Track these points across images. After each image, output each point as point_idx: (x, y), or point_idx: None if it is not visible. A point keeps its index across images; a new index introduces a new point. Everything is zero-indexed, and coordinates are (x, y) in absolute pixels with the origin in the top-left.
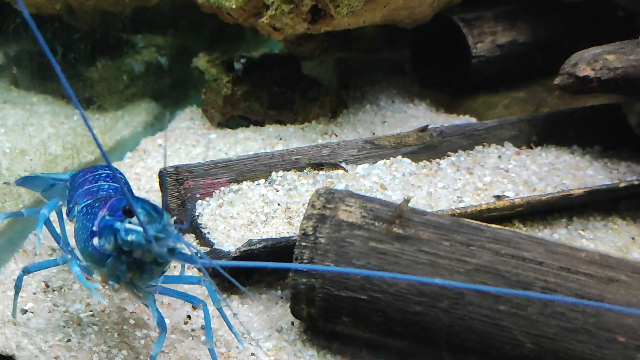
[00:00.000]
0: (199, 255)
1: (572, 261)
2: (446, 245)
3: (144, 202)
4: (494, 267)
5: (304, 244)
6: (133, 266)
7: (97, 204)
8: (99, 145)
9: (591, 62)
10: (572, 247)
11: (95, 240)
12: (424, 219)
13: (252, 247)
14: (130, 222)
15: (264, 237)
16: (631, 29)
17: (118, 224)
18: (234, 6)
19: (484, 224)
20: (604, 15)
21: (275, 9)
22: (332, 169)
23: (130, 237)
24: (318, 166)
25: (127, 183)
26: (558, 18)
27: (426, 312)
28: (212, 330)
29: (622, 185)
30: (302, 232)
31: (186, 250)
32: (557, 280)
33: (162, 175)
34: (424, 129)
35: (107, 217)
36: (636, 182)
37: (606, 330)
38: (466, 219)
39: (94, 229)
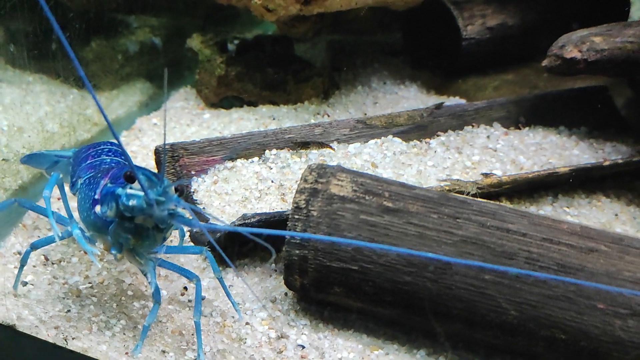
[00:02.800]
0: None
1: (554, 232)
2: (434, 217)
3: (144, 169)
4: (480, 238)
5: (297, 216)
6: (135, 232)
7: (99, 175)
8: (107, 120)
9: (578, 44)
10: (554, 220)
11: (98, 208)
12: (413, 193)
13: (246, 222)
14: (131, 188)
15: (258, 212)
16: (621, 11)
17: (120, 190)
18: None
19: (471, 197)
20: None
21: None
22: (319, 148)
23: (131, 202)
24: (305, 145)
25: (129, 158)
26: (548, 1)
27: (415, 282)
28: (201, 304)
29: (607, 164)
30: (295, 205)
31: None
32: (540, 250)
33: (159, 152)
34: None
35: (109, 185)
36: (620, 161)
37: (586, 298)
38: (454, 194)
39: (96, 197)
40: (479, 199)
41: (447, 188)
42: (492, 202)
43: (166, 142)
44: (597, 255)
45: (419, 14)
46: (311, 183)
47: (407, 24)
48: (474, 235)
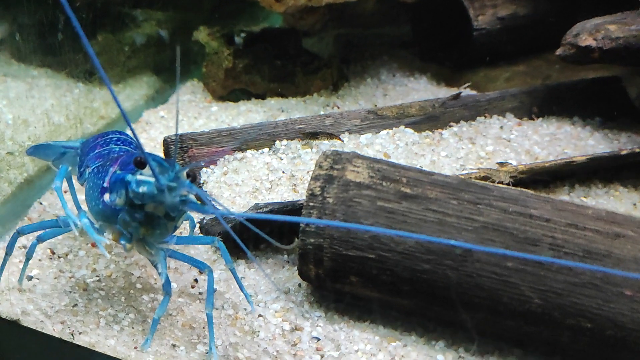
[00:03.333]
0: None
1: (579, 218)
2: (454, 203)
3: (155, 155)
4: (502, 224)
5: (312, 204)
6: (145, 221)
7: (108, 163)
8: (122, 110)
9: (593, 32)
10: (578, 205)
11: (107, 197)
12: (431, 179)
13: (259, 211)
14: (141, 174)
15: (270, 202)
16: (632, 0)
17: (129, 177)
18: None
19: (491, 183)
20: None
21: None
22: (328, 139)
23: (141, 189)
24: (314, 135)
25: (140, 144)
26: None
27: (434, 270)
28: (213, 296)
29: (624, 152)
30: (310, 192)
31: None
32: (564, 236)
33: (167, 143)
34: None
35: (118, 172)
36: (637, 150)
37: (613, 285)
38: (473, 179)
39: (105, 185)
40: (500, 185)
41: (475, 176)
42: (513, 187)
43: (174, 134)
44: (624, 241)
45: (428, 5)
46: (326, 169)
47: (416, 16)
48: (496, 221)
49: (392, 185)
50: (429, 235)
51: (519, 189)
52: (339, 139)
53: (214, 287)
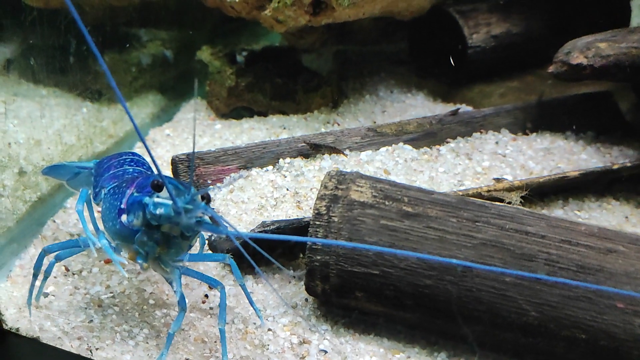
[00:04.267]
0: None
1: (572, 234)
2: (453, 221)
3: (171, 178)
4: (499, 241)
5: (318, 222)
6: (161, 241)
7: (124, 184)
8: (138, 131)
9: (584, 50)
10: (572, 222)
11: (124, 217)
12: (431, 198)
13: (265, 229)
14: (158, 197)
15: (276, 219)
16: (623, 17)
17: (147, 199)
18: None
19: (488, 201)
20: (597, 4)
21: (278, 2)
22: (331, 153)
23: (159, 211)
24: (317, 147)
25: (150, 168)
26: (551, 9)
27: (436, 285)
28: (225, 312)
29: (616, 167)
30: (316, 211)
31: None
32: (559, 252)
33: (175, 162)
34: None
35: (135, 194)
36: (629, 164)
37: (606, 298)
38: (471, 197)
39: (122, 206)
40: (497, 203)
41: (487, 195)
42: (509, 205)
43: (182, 152)
44: (616, 256)
45: (424, 23)
46: (331, 189)
47: (412, 33)
48: (494, 238)
49: (394, 204)
50: (431, 252)
51: (515, 206)
52: (344, 154)
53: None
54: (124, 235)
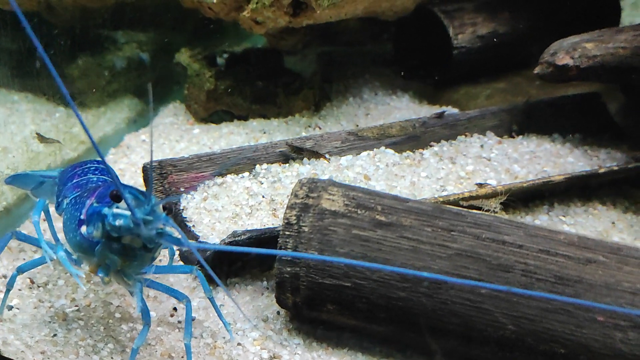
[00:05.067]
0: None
1: (551, 243)
2: (428, 230)
3: (131, 188)
4: (475, 251)
5: (287, 232)
6: (122, 253)
7: (85, 194)
8: (90, 138)
9: (570, 50)
10: (551, 230)
11: (84, 229)
12: (406, 206)
13: (236, 239)
14: (118, 207)
15: (248, 229)
16: (612, 17)
17: (106, 210)
18: (215, 0)
19: (465, 209)
20: (586, 4)
21: (257, 3)
22: (313, 157)
23: (118, 222)
24: (298, 150)
25: (116, 176)
26: (538, 8)
27: (409, 298)
28: (191, 326)
29: (602, 171)
30: (286, 221)
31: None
32: (536, 262)
33: (147, 169)
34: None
35: (95, 205)
36: (615, 168)
37: (585, 310)
38: (448, 205)
39: (82, 217)
40: (474, 211)
41: (466, 204)
42: (487, 213)
43: (154, 159)
44: (596, 267)
45: (409, 24)
46: (302, 198)
47: (397, 34)
48: (469, 248)
49: (367, 213)
50: (404, 262)
51: (493, 214)
52: (325, 158)
53: (194, 315)
54: (84, 247)
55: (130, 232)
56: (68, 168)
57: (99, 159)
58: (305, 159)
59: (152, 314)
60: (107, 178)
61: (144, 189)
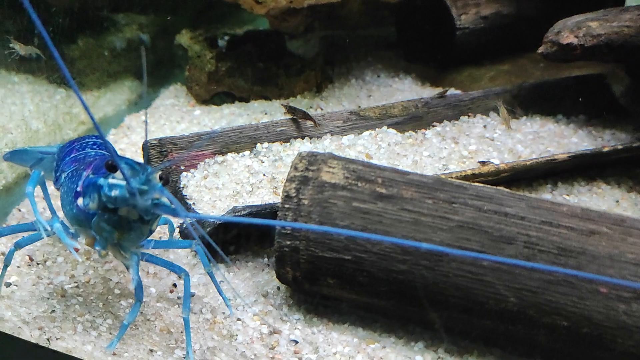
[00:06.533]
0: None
1: (554, 215)
2: (429, 203)
3: (127, 159)
4: (477, 223)
5: (287, 206)
6: (119, 225)
7: (82, 167)
8: (89, 113)
9: (574, 29)
10: (553, 202)
11: (80, 201)
12: (406, 179)
13: (236, 214)
14: (114, 177)
15: (248, 205)
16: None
17: (101, 180)
18: None
19: (467, 182)
20: None
21: None
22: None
23: (114, 192)
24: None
25: (113, 148)
26: None
27: (410, 271)
28: (189, 300)
29: (606, 150)
30: (285, 194)
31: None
32: (539, 234)
33: (146, 147)
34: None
35: (91, 176)
36: (619, 147)
37: (588, 282)
38: (449, 178)
39: (78, 189)
40: (476, 184)
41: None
42: (489, 186)
43: (157, 137)
44: (599, 238)
45: (412, 6)
46: (302, 171)
47: (400, 16)
48: (471, 220)
49: (368, 186)
50: (405, 235)
51: (494, 187)
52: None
53: (193, 291)
54: (80, 220)
55: (125, 203)
56: (67, 144)
57: (97, 134)
58: (306, 138)
59: (152, 290)
60: (105, 153)
61: None
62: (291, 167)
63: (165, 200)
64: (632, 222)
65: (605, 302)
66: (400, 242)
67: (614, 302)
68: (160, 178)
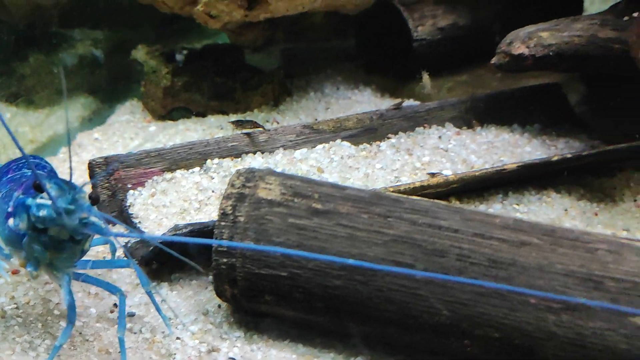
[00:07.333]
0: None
1: (486, 227)
2: (364, 217)
3: (56, 179)
4: (411, 236)
5: (223, 223)
6: (50, 245)
7: (15, 187)
8: (8, 130)
9: (526, 39)
10: (487, 214)
11: (11, 221)
12: (343, 194)
13: (177, 232)
14: (42, 197)
15: (191, 222)
16: (575, 8)
17: (29, 200)
18: None
19: (404, 195)
20: None
21: None
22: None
23: (41, 212)
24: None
25: (52, 171)
26: (498, 0)
27: (345, 286)
28: (125, 319)
29: (555, 159)
30: (222, 211)
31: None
32: (471, 246)
33: (92, 166)
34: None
35: (21, 196)
36: (569, 156)
37: (518, 293)
38: (387, 192)
39: (10, 210)
40: (413, 197)
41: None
42: (425, 199)
43: (103, 155)
44: (529, 249)
45: (370, 18)
46: (238, 188)
47: (359, 28)
48: (405, 234)
49: (304, 202)
50: (340, 250)
51: (431, 200)
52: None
53: (134, 311)
54: (12, 240)
55: (54, 223)
56: (4, 164)
57: (37, 154)
58: (258, 153)
59: (92, 310)
60: (42, 172)
61: (89, 185)
62: (228, 184)
63: (94, 219)
64: (562, 232)
65: (535, 313)
66: (336, 260)
67: (543, 313)
68: (90, 197)
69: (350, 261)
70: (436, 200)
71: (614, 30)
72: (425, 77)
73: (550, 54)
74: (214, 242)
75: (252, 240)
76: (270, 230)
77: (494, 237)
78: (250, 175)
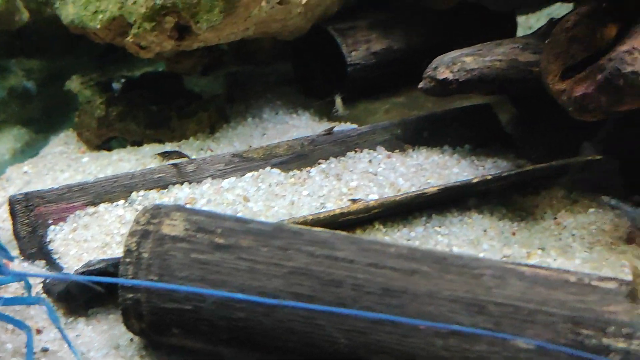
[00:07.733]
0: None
1: (381, 256)
2: (264, 250)
3: None
4: (309, 268)
5: (128, 260)
6: None
7: None
8: None
9: (450, 64)
10: (383, 244)
11: None
12: (246, 227)
13: (90, 268)
14: None
15: (104, 257)
16: (507, 33)
17: None
18: (98, 26)
19: (306, 227)
20: (481, 19)
21: (138, 27)
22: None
23: None
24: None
25: None
26: (434, 24)
27: (248, 317)
28: (32, 355)
29: (475, 180)
30: (126, 248)
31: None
32: (365, 276)
33: (12, 202)
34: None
35: None
36: (488, 177)
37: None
38: (289, 225)
39: None
40: (315, 228)
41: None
42: (326, 230)
43: (23, 192)
44: (419, 277)
45: (307, 43)
46: (143, 224)
47: (295, 53)
48: (303, 265)
49: (207, 237)
50: (242, 283)
51: (331, 231)
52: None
53: (47, 346)
54: None
55: None
56: None
57: None
58: (185, 183)
59: (8, 345)
60: None
61: (10, 222)
62: (134, 221)
63: None
64: (452, 259)
65: (425, 338)
66: (235, 296)
67: (432, 337)
68: None
69: (247, 297)
70: (336, 231)
71: (534, 53)
72: (338, 100)
73: (473, 78)
74: (124, 281)
75: (156, 275)
76: (173, 266)
77: (387, 266)
78: (156, 212)
